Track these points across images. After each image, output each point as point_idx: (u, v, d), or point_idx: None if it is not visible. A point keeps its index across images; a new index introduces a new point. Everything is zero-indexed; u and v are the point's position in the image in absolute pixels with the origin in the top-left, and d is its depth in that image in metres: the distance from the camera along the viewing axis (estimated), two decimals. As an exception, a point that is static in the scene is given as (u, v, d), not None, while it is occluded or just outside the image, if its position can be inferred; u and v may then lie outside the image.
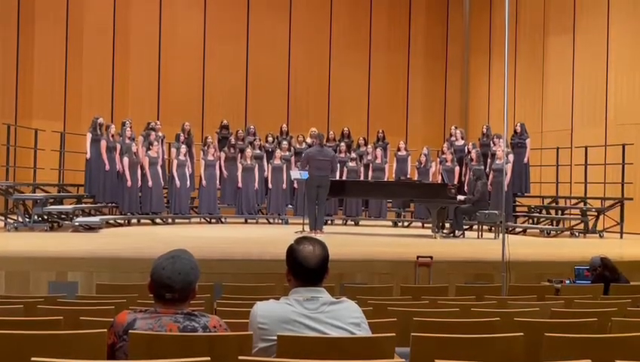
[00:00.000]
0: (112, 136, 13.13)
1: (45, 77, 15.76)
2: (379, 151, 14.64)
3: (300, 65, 18.07)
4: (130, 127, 13.35)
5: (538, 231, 13.04)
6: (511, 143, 13.53)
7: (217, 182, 14.34)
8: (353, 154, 14.77)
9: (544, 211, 14.06)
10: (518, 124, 13.88)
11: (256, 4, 17.92)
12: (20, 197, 11.69)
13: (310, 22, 18.21)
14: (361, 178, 14.31)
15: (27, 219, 11.28)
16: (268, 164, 14.57)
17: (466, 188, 13.11)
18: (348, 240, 11.36)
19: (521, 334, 3.45)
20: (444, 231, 12.32)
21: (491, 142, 13.71)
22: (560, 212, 13.96)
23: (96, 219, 12.02)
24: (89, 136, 12.81)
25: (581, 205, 13.35)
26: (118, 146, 13.08)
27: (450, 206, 12.03)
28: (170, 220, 14.00)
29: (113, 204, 13.32)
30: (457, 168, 13.88)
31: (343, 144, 14.91)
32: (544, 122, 15.97)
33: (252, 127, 15.43)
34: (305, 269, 2.86)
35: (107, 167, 12.77)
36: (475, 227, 12.81)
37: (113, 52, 16.65)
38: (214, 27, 17.54)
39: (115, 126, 13.47)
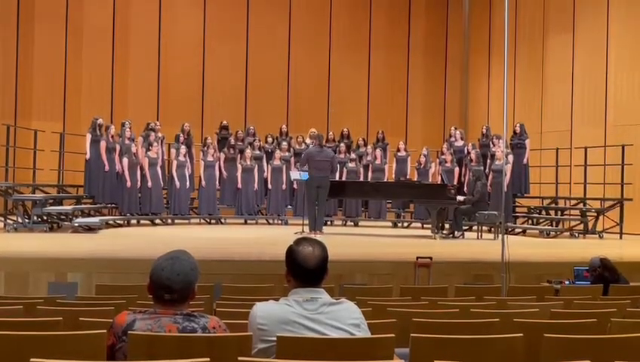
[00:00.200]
0: (112, 136, 13.12)
1: (45, 77, 15.77)
2: (378, 152, 14.62)
3: (299, 65, 18.06)
4: (130, 128, 13.34)
5: (538, 231, 13.01)
6: (510, 144, 13.51)
7: (217, 182, 14.33)
8: (353, 155, 14.75)
9: (544, 212, 14.04)
10: (518, 125, 13.87)
11: (256, 4, 17.92)
12: (20, 197, 11.68)
13: (310, 22, 18.20)
14: (361, 178, 14.29)
15: (27, 220, 11.28)
16: (267, 164, 14.56)
17: (465, 188, 13.09)
18: (347, 240, 11.36)
19: (521, 335, 3.46)
20: (444, 231, 12.32)
21: (491, 143, 13.69)
22: (559, 212, 13.96)
23: (96, 219, 12.02)
24: (88, 136, 12.80)
25: (581, 206, 13.34)
26: (118, 147, 13.07)
27: (449, 206, 12.03)
28: (169, 221, 13.99)
29: (113, 205, 13.32)
30: (457, 169, 13.87)
31: (342, 145, 14.90)
32: (544, 123, 15.96)
33: (252, 127, 15.42)
34: (304, 270, 2.86)
35: (107, 168, 12.77)
36: (475, 228, 12.79)
37: (113, 52, 16.66)
38: (214, 27, 17.54)
39: (115, 126, 13.46)
